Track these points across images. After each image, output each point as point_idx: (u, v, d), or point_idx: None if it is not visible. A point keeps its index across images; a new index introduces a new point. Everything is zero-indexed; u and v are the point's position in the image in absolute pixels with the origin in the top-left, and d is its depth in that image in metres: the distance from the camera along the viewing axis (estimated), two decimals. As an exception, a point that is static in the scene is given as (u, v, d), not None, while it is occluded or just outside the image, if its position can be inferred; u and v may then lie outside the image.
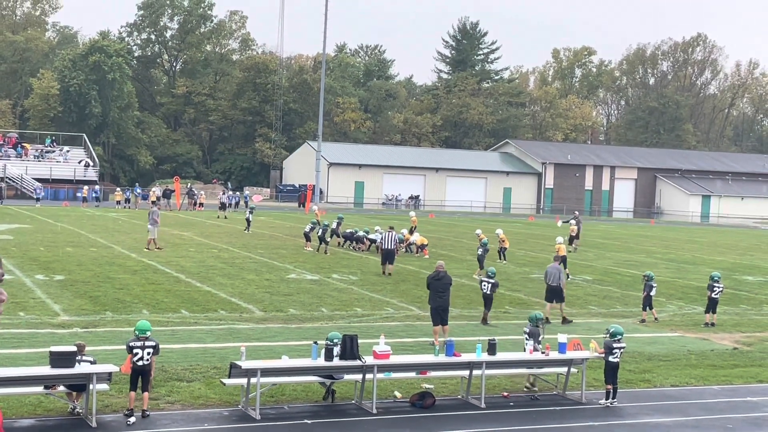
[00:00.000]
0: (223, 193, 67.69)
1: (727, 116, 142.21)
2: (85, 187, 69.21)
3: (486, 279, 21.94)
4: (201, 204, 67.28)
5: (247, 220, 47.20)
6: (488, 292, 21.75)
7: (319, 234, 37.28)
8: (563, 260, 29.52)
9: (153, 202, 57.74)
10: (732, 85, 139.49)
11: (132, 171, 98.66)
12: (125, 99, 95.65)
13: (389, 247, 30.25)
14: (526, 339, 15.68)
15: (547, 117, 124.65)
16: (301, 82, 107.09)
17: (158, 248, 34.86)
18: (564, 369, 15.55)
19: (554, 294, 22.61)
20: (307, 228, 38.48)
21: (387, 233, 30.96)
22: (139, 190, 70.04)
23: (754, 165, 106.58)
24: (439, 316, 18.94)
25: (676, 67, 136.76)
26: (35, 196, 65.63)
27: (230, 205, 67.54)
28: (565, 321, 22.39)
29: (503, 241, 36.96)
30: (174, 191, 68.73)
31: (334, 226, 39.76)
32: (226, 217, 57.38)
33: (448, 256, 37.49)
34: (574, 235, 43.62)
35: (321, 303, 23.86)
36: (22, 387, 12.88)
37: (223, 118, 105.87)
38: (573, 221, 46.42)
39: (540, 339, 15.69)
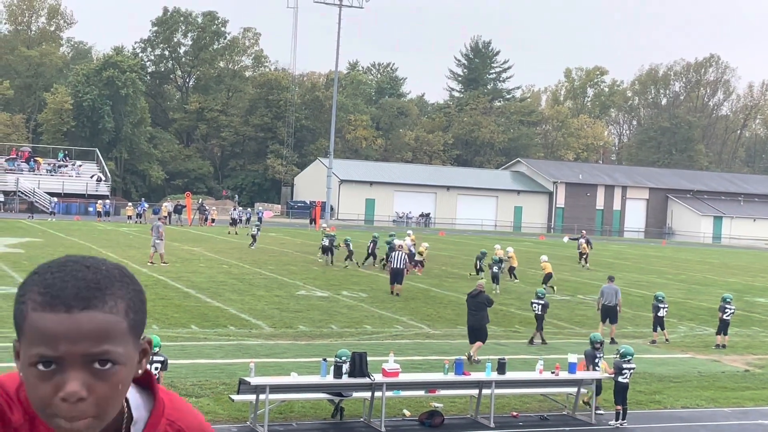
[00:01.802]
0: (234, 209, 67.82)
1: (740, 137, 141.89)
2: (99, 202, 69.49)
3: (536, 300, 22.08)
4: (213, 220, 67.32)
5: (253, 236, 46.34)
6: (539, 313, 21.92)
7: (325, 244, 38.22)
8: (548, 277, 31.33)
9: (163, 217, 57.78)
10: (744, 106, 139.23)
11: (144, 186, 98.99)
12: (138, 114, 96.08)
13: (398, 267, 29.93)
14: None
15: (559, 136, 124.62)
16: (313, 99, 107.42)
17: (164, 263, 34.81)
18: (574, 389, 15.47)
19: (608, 314, 22.66)
20: (326, 242, 38.84)
21: (396, 253, 30.74)
22: (146, 205, 70.06)
23: (766, 186, 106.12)
24: (474, 336, 19.15)
25: (689, 88, 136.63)
26: (49, 210, 66.02)
27: (240, 220, 67.68)
28: (613, 342, 21.98)
29: (511, 258, 36.94)
30: (185, 207, 68.90)
31: (370, 245, 39.12)
32: (236, 233, 57.38)
33: (459, 275, 37.42)
34: (585, 253, 43.87)
35: (330, 320, 23.82)
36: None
37: (235, 135, 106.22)
38: (581, 240, 46.80)
39: (596, 361, 15.49)
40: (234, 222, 60.88)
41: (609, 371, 15.27)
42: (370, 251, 39.41)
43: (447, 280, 35.44)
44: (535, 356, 19.36)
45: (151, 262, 34.78)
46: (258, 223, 52.65)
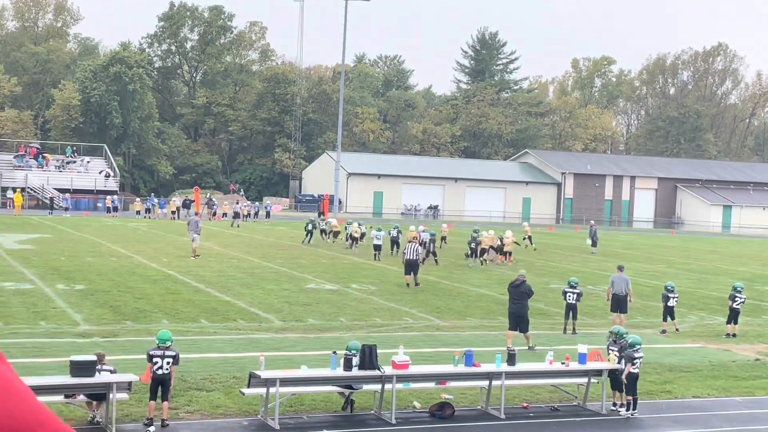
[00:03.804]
0: (237, 203, 68.00)
1: (748, 126, 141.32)
2: (108, 197, 69.62)
3: (570, 289, 22.17)
4: (225, 214, 67.21)
5: (311, 231, 46.49)
6: (573, 302, 22.01)
7: (309, 228, 45.49)
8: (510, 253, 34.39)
9: (195, 213, 58.02)
10: (753, 94, 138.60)
11: (152, 181, 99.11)
12: (146, 110, 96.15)
13: (412, 258, 29.91)
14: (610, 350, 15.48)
15: (567, 127, 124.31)
16: (321, 93, 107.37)
17: (195, 256, 35.61)
18: (584, 380, 15.46)
19: (619, 304, 22.68)
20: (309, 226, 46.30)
21: (409, 245, 30.84)
22: (155, 200, 70.16)
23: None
24: (515, 321, 19.73)
25: (697, 77, 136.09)
26: (63, 206, 66.40)
27: (249, 215, 67.76)
28: None
29: (482, 242, 39.13)
30: (194, 201, 68.99)
31: (427, 239, 38.48)
32: (238, 226, 57.87)
33: (467, 266, 37.42)
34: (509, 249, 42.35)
35: (340, 313, 23.84)
36: (43, 396, 12.91)
37: (242, 129, 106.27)
38: (589, 240, 48.78)
39: (635, 358, 15.20)
40: (237, 215, 61.12)
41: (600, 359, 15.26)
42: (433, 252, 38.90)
43: (455, 272, 35.43)
44: (545, 347, 19.38)
45: (196, 255, 35.61)
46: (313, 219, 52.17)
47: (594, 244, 48.30)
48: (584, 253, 47.44)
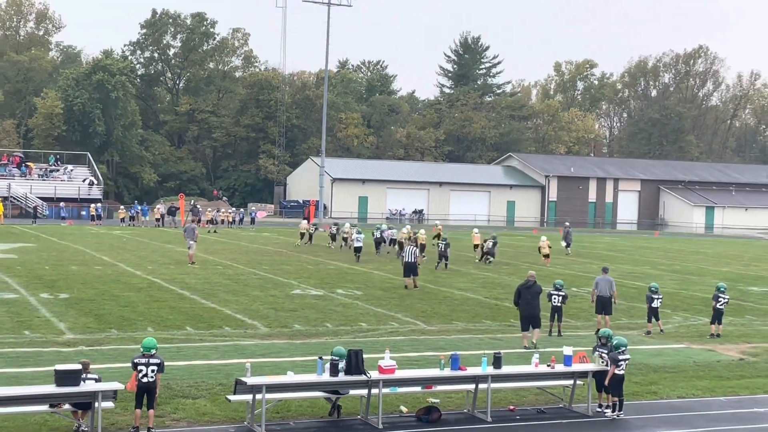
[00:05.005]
0: (218, 210, 68.46)
1: (730, 127, 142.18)
2: (92, 205, 69.32)
3: (555, 292, 22.21)
4: (209, 221, 66.96)
5: (311, 234, 50.11)
6: (558, 304, 22.12)
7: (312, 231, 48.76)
8: (422, 248, 34.68)
9: (192, 220, 59.01)
10: (734, 96, 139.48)
11: (136, 189, 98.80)
12: (129, 117, 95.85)
13: (411, 260, 30.61)
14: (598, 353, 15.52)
15: (550, 130, 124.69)
16: (304, 98, 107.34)
17: (192, 263, 36.19)
18: (570, 382, 15.52)
19: (603, 305, 22.77)
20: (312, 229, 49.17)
21: (408, 248, 31.58)
22: (139, 208, 69.77)
23: (757, 176, 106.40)
24: (527, 322, 20.20)
25: (678, 79, 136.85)
26: (43, 214, 66.26)
27: (233, 221, 67.73)
28: None
29: (419, 238, 41.54)
30: (179, 208, 68.85)
31: (489, 245, 41.80)
32: (215, 231, 59.32)
33: (452, 270, 37.48)
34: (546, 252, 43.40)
35: (326, 318, 23.84)
36: (28, 406, 12.88)
37: (226, 135, 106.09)
38: (563, 242, 49.56)
39: (619, 359, 15.12)
40: (213, 221, 62.42)
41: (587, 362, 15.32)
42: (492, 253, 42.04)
43: (441, 276, 35.49)
44: (530, 350, 19.44)
45: (192, 263, 36.15)
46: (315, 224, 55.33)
47: (568, 245, 49.26)
48: (569, 256, 47.64)
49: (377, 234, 45.98)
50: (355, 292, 29.58)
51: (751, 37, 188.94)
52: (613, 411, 14.99)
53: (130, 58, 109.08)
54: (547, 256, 41.96)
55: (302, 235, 50.24)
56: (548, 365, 15.23)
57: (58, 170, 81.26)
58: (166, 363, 13.51)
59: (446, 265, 38.09)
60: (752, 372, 19.00)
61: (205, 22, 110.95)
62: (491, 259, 41.44)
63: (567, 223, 55.94)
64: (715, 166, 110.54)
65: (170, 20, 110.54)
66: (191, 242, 36.72)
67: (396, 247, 44.49)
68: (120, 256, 39.11)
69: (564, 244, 49.75)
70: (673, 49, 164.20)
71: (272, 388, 13.65)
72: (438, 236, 43.85)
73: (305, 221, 54.70)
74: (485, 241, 42.62)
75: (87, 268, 34.09)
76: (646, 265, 44.84)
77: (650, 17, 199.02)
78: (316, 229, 52.08)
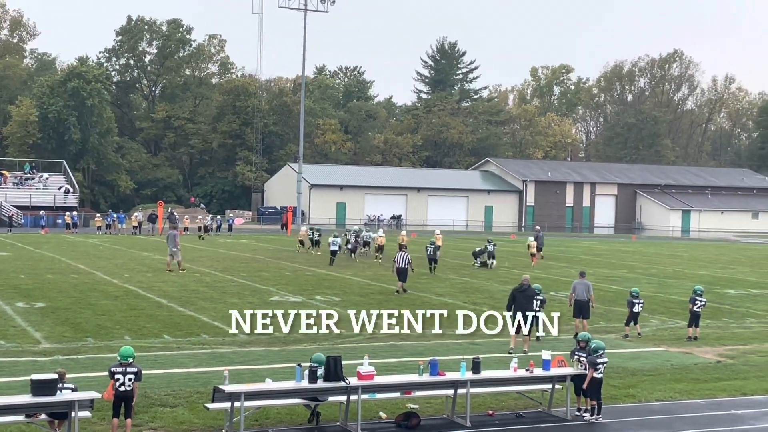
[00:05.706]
0: (201, 218, 68.76)
1: (705, 131, 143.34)
2: (68, 214, 68.78)
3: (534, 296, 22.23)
4: (186, 228, 66.51)
5: (317, 242, 49.71)
6: (537, 308, 22.00)
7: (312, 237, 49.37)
8: (402, 247, 33.85)
9: (170, 227, 58.66)
10: (709, 100, 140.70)
11: (113, 196, 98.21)
12: (105, 124, 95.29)
13: (402, 266, 31.20)
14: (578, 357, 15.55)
15: (527, 135, 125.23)
16: (281, 105, 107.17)
17: (181, 270, 36.17)
18: (549, 386, 15.55)
19: (581, 309, 22.83)
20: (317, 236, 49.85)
21: (399, 253, 31.90)
22: (115, 216, 69.07)
23: (732, 179, 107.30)
24: (521, 325, 20.22)
25: (654, 84, 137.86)
26: (18, 223, 65.82)
27: (212, 229, 67.49)
28: None
29: (375, 239, 44.01)
30: (158, 216, 68.49)
31: (490, 248, 43.15)
32: (202, 238, 59.04)
33: (432, 275, 37.48)
34: (533, 251, 44.92)
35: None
36: (3, 416, 12.73)
37: (203, 142, 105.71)
38: (532, 238, 48.54)
39: (597, 363, 15.18)
40: (206, 229, 63.06)
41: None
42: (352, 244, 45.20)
43: (419, 281, 35.48)
44: (509, 355, 19.47)
45: (169, 270, 35.94)
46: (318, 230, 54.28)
47: (539, 249, 49.16)
48: (546, 260, 47.75)
49: (352, 239, 46.22)
50: (333, 298, 29.52)
51: (726, 41, 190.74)
52: (592, 414, 15.04)
53: (105, 65, 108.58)
54: (533, 255, 44.28)
55: (302, 242, 49.54)
56: (527, 369, 15.26)
57: (33, 178, 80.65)
58: (143, 371, 13.40)
59: (433, 269, 38.76)
60: (729, 374, 19.11)
61: (181, 29, 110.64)
62: (493, 261, 42.73)
63: (538, 227, 57.23)
64: (690, 170, 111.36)
65: (146, 27, 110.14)
66: (174, 249, 36.55)
67: (371, 249, 46.50)
68: (96, 265, 38.84)
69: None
70: (648, 53, 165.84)
71: (251, 395, 13.59)
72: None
73: (304, 228, 54.86)
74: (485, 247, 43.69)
75: (63, 276, 33.83)
76: (623, 268, 45.05)
77: (625, 22, 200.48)
78: (320, 234, 50.53)
